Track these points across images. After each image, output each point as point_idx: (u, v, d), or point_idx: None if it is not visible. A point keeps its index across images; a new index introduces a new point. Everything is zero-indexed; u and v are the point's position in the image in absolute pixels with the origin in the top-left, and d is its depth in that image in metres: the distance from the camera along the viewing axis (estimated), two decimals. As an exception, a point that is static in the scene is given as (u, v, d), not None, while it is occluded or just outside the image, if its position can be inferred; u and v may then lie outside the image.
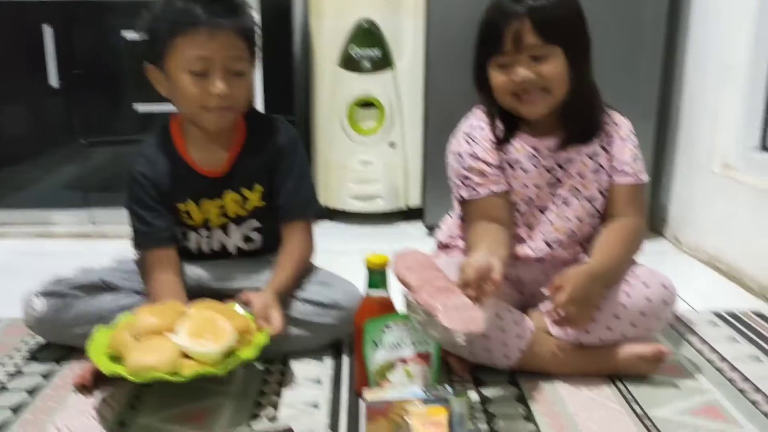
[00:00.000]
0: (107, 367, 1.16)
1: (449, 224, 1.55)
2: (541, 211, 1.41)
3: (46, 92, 2.32)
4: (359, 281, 1.32)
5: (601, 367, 1.33)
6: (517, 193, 1.40)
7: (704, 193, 2.11)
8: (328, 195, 2.51)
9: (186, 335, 1.17)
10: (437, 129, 2.22)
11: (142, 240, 1.46)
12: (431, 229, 2.40)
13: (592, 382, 1.32)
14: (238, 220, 1.50)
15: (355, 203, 2.48)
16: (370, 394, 1.13)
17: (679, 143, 2.26)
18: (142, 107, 2.28)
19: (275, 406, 1.24)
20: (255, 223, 1.52)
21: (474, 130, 1.40)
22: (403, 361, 1.21)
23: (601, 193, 1.40)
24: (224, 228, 1.50)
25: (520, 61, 1.27)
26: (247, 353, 1.21)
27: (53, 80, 2.29)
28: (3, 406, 1.25)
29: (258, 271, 1.51)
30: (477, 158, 1.37)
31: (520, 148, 1.38)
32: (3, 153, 2.44)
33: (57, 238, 2.37)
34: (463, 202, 1.41)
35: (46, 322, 1.39)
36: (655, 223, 2.39)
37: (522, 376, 1.33)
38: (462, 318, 1.04)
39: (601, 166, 1.38)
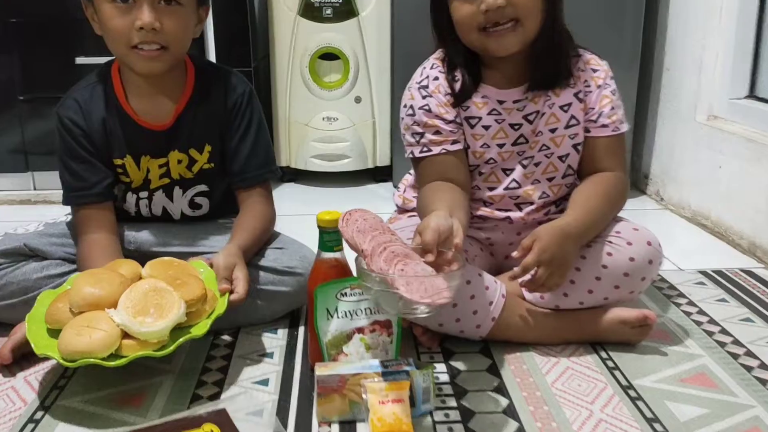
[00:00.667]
0: (40, 348, 1.02)
1: (409, 184, 1.41)
2: (506, 173, 1.28)
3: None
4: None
5: (582, 333, 1.21)
6: (477, 153, 1.26)
7: (688, 146, 1.99)
8: (290, 155, 2.35)
9: (126, 310, 1.01)
10: (406, 81, 2.06)
11: (72, 195, 1.29)
12: (400, 189, 2.27)
13: (571, 351, 1.20)
14: (184, 183, 1.35)
15: (319, 163, 2.33)
16: (322, 369, 1.00)
17: (662, 93, 2.13)
18: (82, 60, 2.09)
19: (220, 384, 1.11)
20: (202, 187, 1.36)
21: (428, 81, 1.24)
22: (360, 330, 1.08)
23: (575, 148, 1.26)
24: (167, 191, 1.35)
25: None
26: (197, 329, 1.06)
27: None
28: None
29: (208, 235, 1.36)
30: (430, 113, 1.23)
31: (481, 103, 1.24)
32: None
33: (-4, 204, 2.20)
34: (416, 161, 1.27)
35: (-39, 293, 1.23)
36: (636, 179, 2.27)
37: (495, 346, 1.20)
38: (424, 287, 0.88)
39: (575, 118, 1.24)
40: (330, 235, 1.09)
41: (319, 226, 1.10)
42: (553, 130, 1.24)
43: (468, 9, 1.15)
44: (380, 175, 2.40)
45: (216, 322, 1.10)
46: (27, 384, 1.11)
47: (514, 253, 1.10)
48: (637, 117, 2.17)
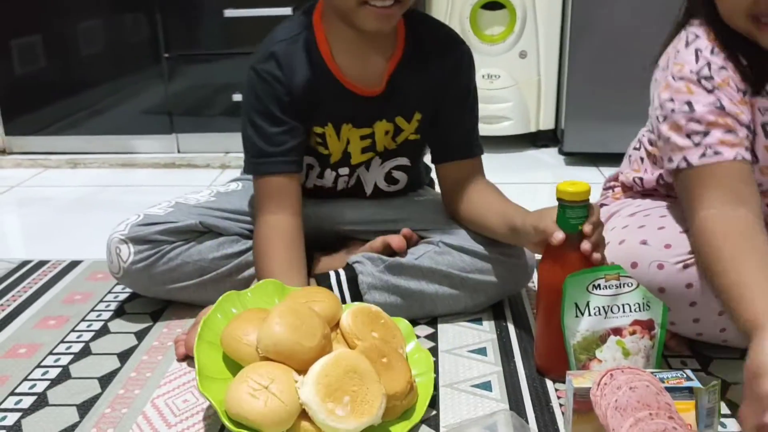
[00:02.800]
0: (205, 386, 0.81)
1: (637, 157, 1.11)
2: None
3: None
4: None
5: None
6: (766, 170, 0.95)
7: None
8: (443, 117, 2.15)
9: (317, 388, 0.77)
10: (580, 34, 1.82)
11: (260, 162, 1.09)
12: (569, 156, 2.03)
13: None
14: (385, 155, 1.17)
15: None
16: (579, 380, 0.80)
17: None
18: (231, 12, 1.95)
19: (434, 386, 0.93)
20: (403, 160, 1.18)
21: (712, 71, 0.91)
22: (617, 332, 0.87)
23: None
24: (367, 163, 1.17)
25: None
26: None
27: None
28: (88, 375, 0.99)
29: (398, 210, 1.19)
30: (723, 110, 0.88)
31: None
32: (79, 74, 2.17)
33: (139, 167, 2.13)
34: (686, 173, 0.90)
35: (135, 273, 1.11)
36: None
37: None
38: None
39: None
40: (574, 211, 0.88)
41: (559, 199, 0.89)
42: None
43: None
44: (542, 139, 2.17)
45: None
46: (167, 408, 0.91)
47: None
48: None
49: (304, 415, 0.78)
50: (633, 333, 0.87)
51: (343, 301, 1.07)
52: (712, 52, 0.92)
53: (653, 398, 0.73)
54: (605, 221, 1.01)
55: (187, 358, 1.01)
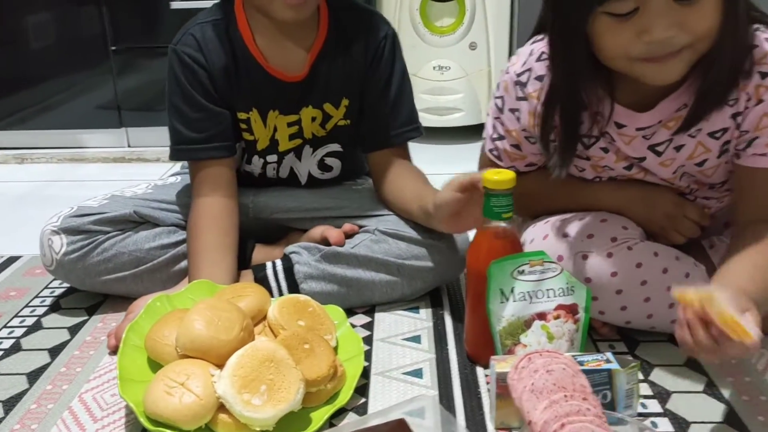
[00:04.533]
0: (125, 390, 0.80)
1: None
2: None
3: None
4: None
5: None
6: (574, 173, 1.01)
7: None
8: (396, 108, 2.15)
9: (233, 380, 0.77)
10: (529, 24, 1.82)
11: (184, 149, 1.10)
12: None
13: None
14: (315, 142, 1.17)
15: (428, 117, 2.13)
16: (502, 364, 0.81)
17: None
18: (178, 4, 1.93)
19: (364, 373, 0.94)
20: (335, 147, 1.18)
21: (529, 78, 0.94)
22: (542, 316, 0.88)
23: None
24: (297, 151, 1.17)
25: (656, 9, 0.75)
26: (314, 423, 0.81)
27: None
28: (16, 371, 0.97)
29: (337, 199, 1.19)
30: (518, 123, 0.97)
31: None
32: (26, 69, 2.13)
33: (89, 162, 2.10)
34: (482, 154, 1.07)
35: (68, 265, 1.10)
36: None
37: (690, 333, 0.99)
38: None
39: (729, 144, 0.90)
40: (499, 199, 0.89)
41: (485, 188, 0.90)
42: (701, 164, 0.93)
43: (622, 35, 0.78)
44: (494, 130, 2.18)
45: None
46: (94, 402, 0.90)
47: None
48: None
49: (223, 408, 0.78)
50: (557, 317, 0.88)
51: (280, 292, 1.07)
52: (540, 58, 0.93)
53: (569, 380, 0.74)
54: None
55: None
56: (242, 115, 1.11)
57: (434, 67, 2.07)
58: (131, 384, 0.82)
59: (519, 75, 0.95)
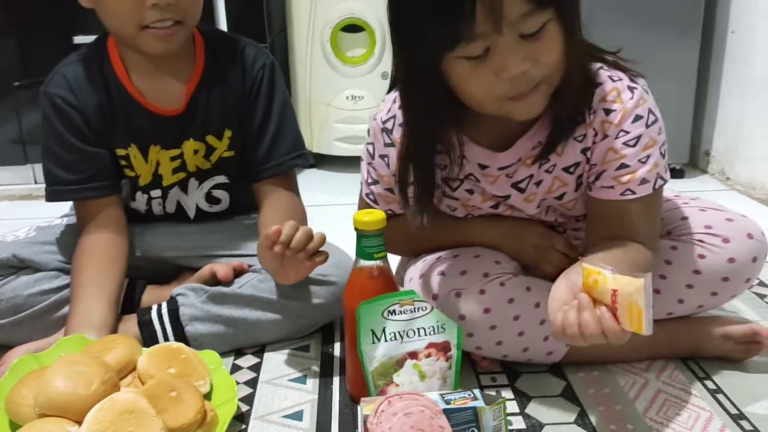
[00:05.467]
0: None
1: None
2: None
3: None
4: (351, 246, 0.98)
5: (674, 348, 1.01)
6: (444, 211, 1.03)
7: (760, 118, 1.77)
8: (311, 138, 2.17)
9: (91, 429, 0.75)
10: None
11: (56, 190, 1.10)
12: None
13: (659, 368, 1.01)
14: (200, 175, 1.16)
15: (343, 147, 2.14)
16: (369, 406, 0.81)
17: (727, 59, 1.90)
18: (82, 39, 1.90)
19: (245, 419, 0.93)
20: (221, 179, 1.18)
21: (394, 125, 0.96)
22: (413, 355, 0.89)
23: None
24: (182, 185, 1.16)
25: (505, 47, 0.77)
26: None
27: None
28: None
29: (226, 236, 1.18)
30: (389, 168, 0.98)
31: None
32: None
33: (-6, 200, 2.03)
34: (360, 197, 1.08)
35: (-59, 313, 1.06)
36: (694, 157, 2.05)
37: (568, 364, 1.01)
38: None
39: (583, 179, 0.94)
40: (370, 240, 0.90)
41: (356, 229, 0.91)
42: (560, 197, 0.96)
43: (482, 76, 0.79)
44: (410, 158, 2.20)
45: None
46: None
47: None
48: (698, 88, 1.95)
49: None
50: (428, 356, 0.89)
51: (165, 335, 1.06)
52: (401, 106, 0.92)
53: (427, 422, 0.75)
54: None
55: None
56: (121, 152, 1.11)
57: (347, 97, 2.08)
58: None
59: (384, 122, 0.97)
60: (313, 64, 2.08)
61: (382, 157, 0.98)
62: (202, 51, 1.11)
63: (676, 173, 1.98)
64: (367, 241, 0.90)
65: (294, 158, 1.16)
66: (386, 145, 0.97)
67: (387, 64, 2.05)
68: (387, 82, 2.03)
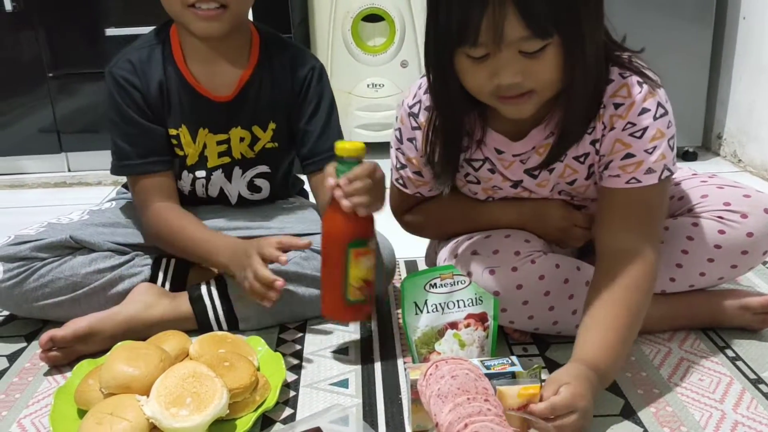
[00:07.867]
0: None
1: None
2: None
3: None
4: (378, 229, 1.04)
5: (694, 318, 1.08)
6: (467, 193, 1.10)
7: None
8: (333, 125, 2.22)
9: (159, 399, 0.83)
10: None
11: (125, 164, 1.17)
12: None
13: (681, 338, 1.07)
14: (244, 163, 1.22)
15: (364, 134, 2.20)
16: (416, 371, 0.88)
17: (738, 45, 1.95)
18: (113, 31, 1.96)
19: (294, 386, 1.00)
20: (263, 168, 1.24)
21: (420, 109, 1.01)
22: (453, 325, 0.96)
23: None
24: (226, 171, 1.23)
25: (503, 59, 0.83)
26: (241, 425, 0.88)
27: (6, 2, 1.97)
28: (-45, 401, 1.00)
29: (267, 218, 1.24)
30: (417, 151, 1.03)
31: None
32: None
33: (29, 188, 2.10)
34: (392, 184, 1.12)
35: (5, 292, 1.13)
36: (707, 140, 2.11)
37: (595, 334, 1.07)
38: None
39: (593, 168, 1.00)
40: (346, 165, 0.94)
41: (336, 156, 0.95)
42: (572, 182, 1.02)
43: (477, 75, 0.86)
44: (429, 143, 2.26)
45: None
46: (33, 427, 0.94)
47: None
48: (710, 72, 2.00)
49: (156, 429, 0.83)
50: (468, 326, 0.95)
51: (214, 310, 1.13)
52: (426, 91, 0.99)
53: (472, 384, 0.81)
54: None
55: (50, 343, 1.06)
56: (173, 131, 1.18)
57: (368, 85, 2.14)
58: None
59: (411, 107, 1.03)
60: (335, 53, 2.14)
61: (410, 140, 1.04)
62: (257, 46, 1.17)
63: (690, 156, 2.03)
64: (342, 166, 0.94)
65: None
66: (413, 128, 1.03)
67: (406, 52, 2.12)
68: (406, 71, 2.12)
